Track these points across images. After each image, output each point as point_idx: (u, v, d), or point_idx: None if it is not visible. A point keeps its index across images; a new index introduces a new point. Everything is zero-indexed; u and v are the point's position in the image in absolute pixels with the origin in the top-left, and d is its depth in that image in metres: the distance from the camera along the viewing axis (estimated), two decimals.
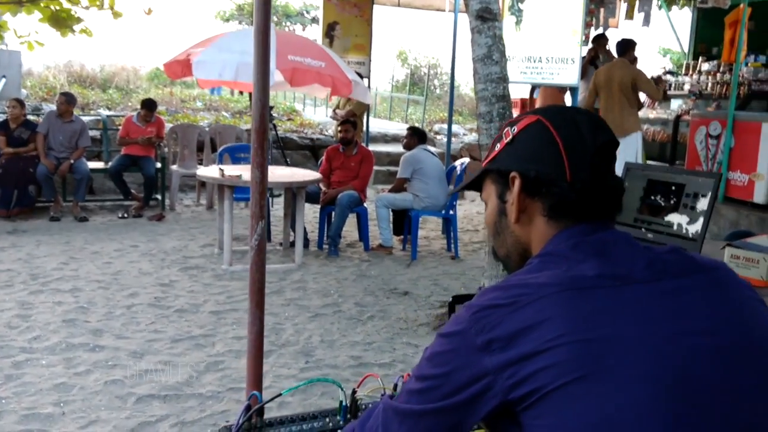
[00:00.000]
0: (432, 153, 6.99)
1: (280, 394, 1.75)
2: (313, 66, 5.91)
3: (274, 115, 7.38)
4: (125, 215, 7.93)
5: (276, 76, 5.89)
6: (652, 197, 2.60)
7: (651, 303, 1.01)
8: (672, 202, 2.53)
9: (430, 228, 7.89)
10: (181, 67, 6.25)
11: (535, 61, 5.46)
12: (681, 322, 1.00)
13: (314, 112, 14.72)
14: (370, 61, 9.92)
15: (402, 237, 7.11)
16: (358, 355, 4.17)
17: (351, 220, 7.08)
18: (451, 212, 6.83)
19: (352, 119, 7.35)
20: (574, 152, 1.14)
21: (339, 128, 7.04)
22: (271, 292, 5.35)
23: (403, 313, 4.99)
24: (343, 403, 1.78)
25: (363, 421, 1.22)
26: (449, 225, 7.01)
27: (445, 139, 12.10)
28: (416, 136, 7.00)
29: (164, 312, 4.77)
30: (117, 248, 6.48)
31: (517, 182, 1.18)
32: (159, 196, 8.38)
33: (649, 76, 7.57)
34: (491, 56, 4.57)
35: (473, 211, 9.19)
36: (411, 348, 4.33)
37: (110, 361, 3.90)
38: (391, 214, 6.96)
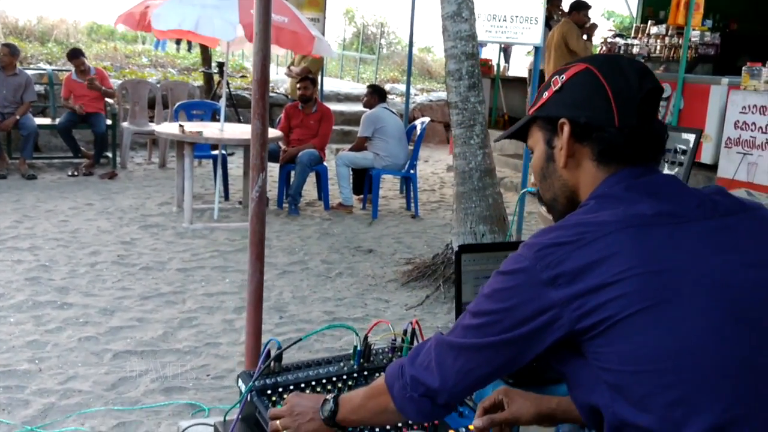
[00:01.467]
0: (392, 112, 7.00)
1: (300, 339, 1.79)
2: (276, 21, 5.80)
3: (225, 71, 7.22)
4: (75, 173, 7.71)
5: (238, 30, 5.77)
6: None
7: (706, 239, 1.08)
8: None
9: (387, 188, 7.93)
10: (138, 19, 6.06)
11: (499, 20, 5.50)
12: (734, 255, 1.07)
13: None
14: (324, 17, 9.79)
15: (361, 196, 7.13)
16: (331, 311, 4.22)
17: (310, 179, 7.05)
18: (412, 171, 6.88)
19: (311, 76, 7.27)
20: (622, 99, 1.18)
21: (298, 85, 6.95)
22: (236, 250, 5.34)
23: (371, 270, 5.05)
24: (358, 348, 1.82)
25: (412, 358, 1.26)
26: (408, 184, 7.06)
27: (397, 99, 12.12)
28: (377, 95, 6.99)
29: (130, 270, 4.71)
30: (71, 206, 6.32)
31: (566, 128, 1.22)
32: (110, 154, 8.16)
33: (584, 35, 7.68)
34: (461, 14, 4.59)
35: (428, 171, 9.27)
36: (382, 303, 4.39)
37: (81, 318, 3.85)
38: (351, 173, 6.96)
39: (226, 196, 6.97)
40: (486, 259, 2.00)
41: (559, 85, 1.25)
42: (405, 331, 1.90)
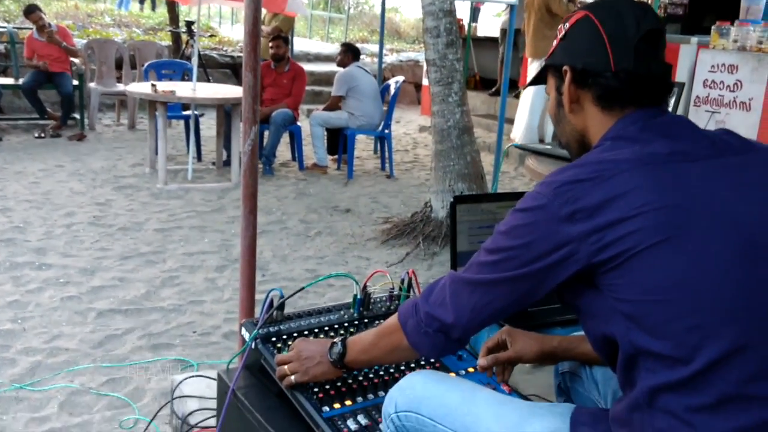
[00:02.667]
0: (366, 71, 6.96)
1: (303, 288, 1.81)
2: None
3: (195, 30, 7.08)
4: (42, 135, 7.55)
5: None
6: None
7: (720, 175, 1.12)
8: None
9: (361, 148, 7.92)
10: None
11: None
12: (747, 191, 1.12)
13: (231, 30, 14.21)
14: None
15: (336, 156, 7.12)
16: (313, 268, 4.25)
17: (283, 139, 7.01)
18: (386, 131, 6.88)
19: (283, 35, 7.18)
20: (618, 43, 1.22)
21: (270, 44, 6.86)
22: (212, 211, 5.32)
23: (349, 229, 5.08)
24: (358, 297, 1.86)
25: (426, 296, 1.30)
26: (383, 144, 7.06)
27: (367, 59, 12.02)
28: (350, 53, 6.94)
29: (107, 231, 4.67)
30: (41, 168, 6.21)
31: (567, 75, 1.27)
32: (77, 116, 7.99)
33: None
34: None
35: (400, 132, 9.26)
36: (363, 261, 4.43)
37: (61, 279, 3.82)
38: (325, 133, 6.93)
39: (199, 157, 6.91)
40: (480, 209, 2.04)
41: (563, 33, 1.30)
42: (402, 281, 1.95)
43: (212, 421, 2.19)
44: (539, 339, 1.55)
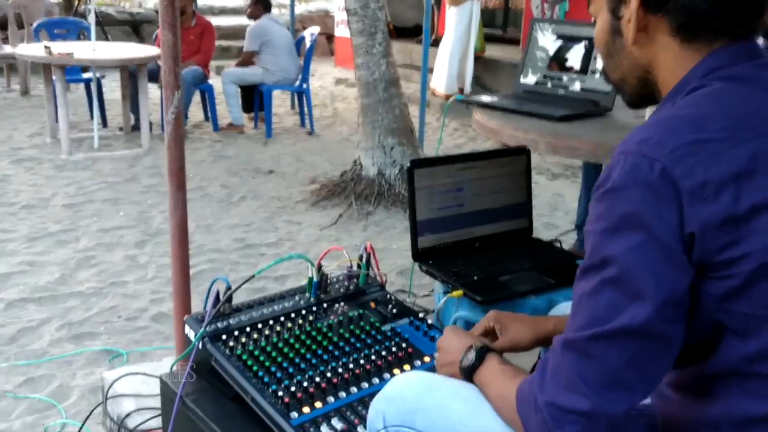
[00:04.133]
0: (279, 23, 6.62)
1: (253, 276, 1.60)
2: None
3: None
4: None
5: None
6: (563, 53, 2.60)
7: None
8: (583, 57, 2.54)
9: (277, 104, 7.58)
10: None
11: None
12: None
13: None
14: None
15: (252, 114, 6.79)
16: (241, 237, 4.00)
17: (195, 99, 6.62)
18: (304, 86, 6.58)
19: None
20: None
21: None
22: (125, 181, 4.95)
23: (275, 191, 4.83)
24: (314, 280, 1.67)
25: (540, 374, 0.95)
26: (301, 99, 6.77)
27: (275, 11, 11.53)
28: (261, 5, 6.55)
29: (9, 209, 4.26)
30: None
31: None
32: None
33: None
34: None
35: (315, 85, 8.94)
36: (293, 225, 4.21)
37: None
38: (239, 90, 6.58)
39: (104, 123, 6.43)
40: (438, 173, 1.87)
41: None
42: (360, 257, 1.77)
43: (154, 423, 1.98)
44: (533, 323, 1.37)
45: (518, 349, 1.35)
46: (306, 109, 6.67)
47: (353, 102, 8.10)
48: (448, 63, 7.31)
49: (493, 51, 8.37)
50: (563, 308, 1.49)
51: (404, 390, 1.14)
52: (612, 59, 1.06)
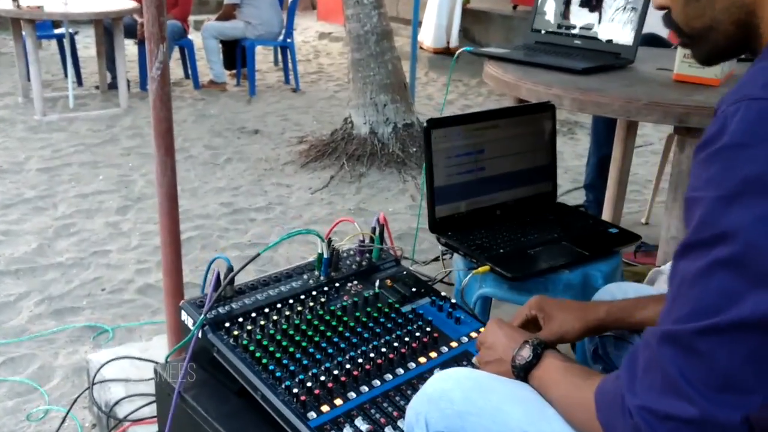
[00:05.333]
0: None
1: (259, 254, 1.42)
2: None
3: None
4: None
5: None
6: (580, 2, 2.39)
7: None
8: (600, 5, 2.35)
9: (259, 60, 7.30)
10: None
11: None
12: None
13: None
14: None
15: (234, 71, 6.51)
16: (229, 202, 3.80)
17: (174, 55, 6.32)
18: (288, 40, 6.30)
19: None
20: None
21: None
22: (103, 142, 4.71)
23: (262, 152, 4.61)
24: (324, 256, 1.49)
25: (629, 374, 0.78)
26: (285, 55, 6.50)
27: None
28: None
29: None
30: None
31: None
32: None
33: None
34: None
35: (298, 40, 8.62)
36: (283, 188, 4.01)
37: None
38: (220, 46, 6.29)
39: (79, 82, 6.14)
40: (457, 133, 1.68)
41: None
42: (373, 229, 1.59)
43: (146, 411, 1.81)
44: (581, 310, 1.20)
45: (565, 340, 1.18)
46: (290, 65, 6.40)
47: (338, 57, 7.83)
48: (437, 15, 7.06)
49: (481, 2, 8.10)
50: (612, 290, 1.32)
51: (450, 390, 0.97)
52: (698, 1, 0.86)
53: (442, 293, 1.52)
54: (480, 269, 1.51)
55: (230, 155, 4.54)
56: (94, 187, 3.92)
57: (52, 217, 3.51)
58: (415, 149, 4.18)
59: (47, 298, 2.77)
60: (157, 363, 1.93)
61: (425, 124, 1.61)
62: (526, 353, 0.99)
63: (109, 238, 3.31)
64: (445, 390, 0.97)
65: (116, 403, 1.86)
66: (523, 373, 0.98)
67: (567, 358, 0.97)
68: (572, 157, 4.60)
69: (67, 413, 2.03)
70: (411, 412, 1.00)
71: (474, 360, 1.16)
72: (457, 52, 2.36)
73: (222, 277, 1.35)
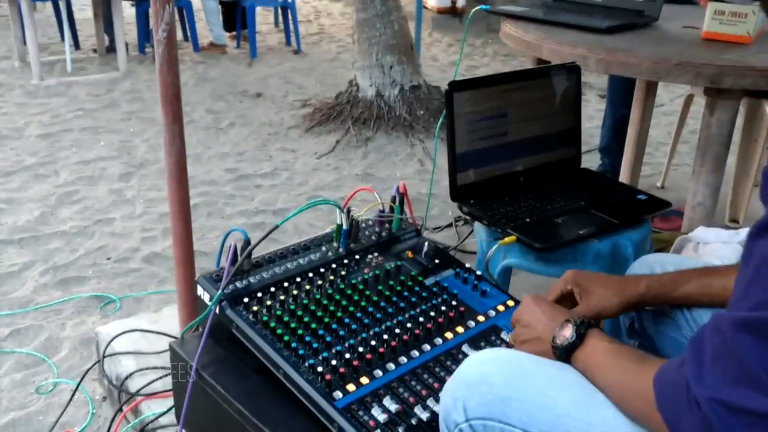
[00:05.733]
0: None
1: (277, 227, 1.35)
2: None
3: None
4: None
5: None
6: None
7: None
8: None
9: (259, 21, 7.15)
10: None
11: None
12: None
13: None
14: None
15: (235, 33, 6.38)
16: (233, 167, 3.73)
17: None
18: (290, 0, 6.16)
19: None
20: None
21: None
22: (103, 107, 4.62)
23: (265, 116, 4.52)
24: (343, 227, 1.43)
25: (696, 364, 0.72)
26: (286, 15, 6.36)
27: None
28: None
29: None
30: None
31: None
32: None
33: None
34: None
35: (297, 0, 8.47)
36: (288, 153, 3.94)
37: None
38: (220, 7, 6.15)
39: (77, 45, 6.01)
40: (480, 96, 1.60)
41: None
42: (393, 198, 1.52)
43: (157, 386, 1.77)
44: (619, 285, 1.14)
45: (603, 316, 1.12)
46: (291, 27, 6.27)
47: (339, 18, 7.68)
48: None
49: None
50: (650, 262, 1.25)
51: (490, 374, 0.91)
52: None
53: (466, 264, 1.46)
54: (506, 239, 1.45)
55: (233, 119, 4.45)
56: (96, 153, 3.84)
57: (54, 185, 3.44)
58: (422, 112, 4.09)
59: (52, 267, 2.72)
60: (169, 336, 1.90)
61: (447, 87, 1.53)
62: (569, 333, 0.93)
63: (112, 206, 3.25)
64: (485, 374, 0.91)
65: (128, 376, 1.82)
66: (565, 354, 0.93)
67: (613, 339, 0.91)
68: (582, 118, 4.50)
69: (78, 386, 1.98)
70: (447, 395, 0.94)
71: (508, 338, 1.11)
72: (472, 11, 2.26)
73: (239, 250, 1.29)
